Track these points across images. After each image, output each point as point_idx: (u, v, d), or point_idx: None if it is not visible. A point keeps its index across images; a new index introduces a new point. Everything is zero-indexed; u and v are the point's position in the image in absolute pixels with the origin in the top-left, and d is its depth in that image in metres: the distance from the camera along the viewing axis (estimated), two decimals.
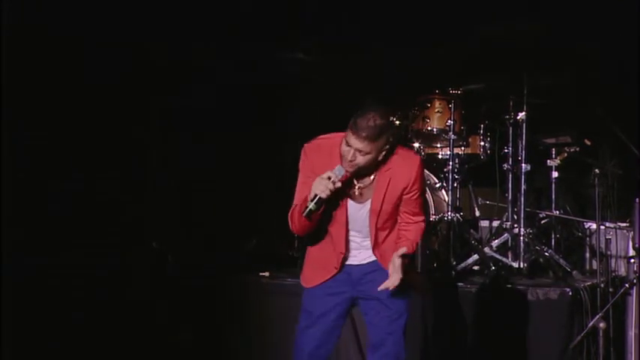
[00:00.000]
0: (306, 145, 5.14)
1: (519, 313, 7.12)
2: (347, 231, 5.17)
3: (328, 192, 4.91)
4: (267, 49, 8.41)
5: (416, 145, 8.53)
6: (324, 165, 5.01)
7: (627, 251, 7.63)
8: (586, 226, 8.20)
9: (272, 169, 8.58)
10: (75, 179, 7.47)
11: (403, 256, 5.09)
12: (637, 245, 7.20)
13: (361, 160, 4.96)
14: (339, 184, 4.95)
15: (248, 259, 8.31)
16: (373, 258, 5.22)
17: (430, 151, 8.51)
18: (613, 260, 7.61)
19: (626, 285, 7.19)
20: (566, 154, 8.21)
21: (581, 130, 8.40)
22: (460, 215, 8.11)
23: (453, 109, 8.20)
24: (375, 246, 5.19)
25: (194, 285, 7.75)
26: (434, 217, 8.16)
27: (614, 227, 7.79)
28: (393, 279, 5.06)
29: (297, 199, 5.09)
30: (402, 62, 8.83)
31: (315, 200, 4.91)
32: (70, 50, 7.36)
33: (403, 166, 5.10)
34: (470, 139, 8.41)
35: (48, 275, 7.24)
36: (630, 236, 7.56)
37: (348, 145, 4.94)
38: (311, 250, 5.32)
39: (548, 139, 8.28)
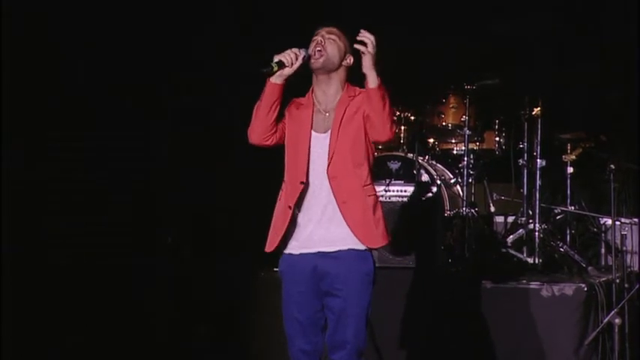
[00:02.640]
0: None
1: (534, 309, 7.11)
2: (308, 157, 5.14)
3: (288, 58, 5.02)
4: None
5: (431, 140, 8.53)
6: (295, 107, 5.18)
7: None
8: (601, 222, 8.17)
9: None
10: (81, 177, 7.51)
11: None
12: None
13: (328, 46, 5.09)
14: (300, 59, 5.04)
15: (263, 254, 8.31)
16: (342, 247, 5.14)
17: (445, 147, 8.52)
18: (628, 256, 7.60)
19: None
20: (581, 150, 8.19)
21: (596, 126, 8.38)
22: (475, 211, 8.09)
23: (467, 105, 8.20)
24: (332, 174, 5.10)
25: (208, 279, 7.76)
26: (449, 212, 8.15)
27: (630, 223, 7.78)
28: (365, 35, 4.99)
29: None
30: (418, 57, 8.83)
31: (276, 61, 5.03)
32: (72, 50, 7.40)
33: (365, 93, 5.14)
34: (485, 135, 8.41)
35: (56, 273, 7.27)
36: None
37: (315, 36, 5.13)
38: (276, 208, 5.28)
39: (563, 134, 8.26)
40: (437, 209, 7.78)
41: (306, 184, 5.15)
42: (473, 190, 8.33)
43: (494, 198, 8.51)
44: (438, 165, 8.62)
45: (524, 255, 7.86)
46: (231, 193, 8.53)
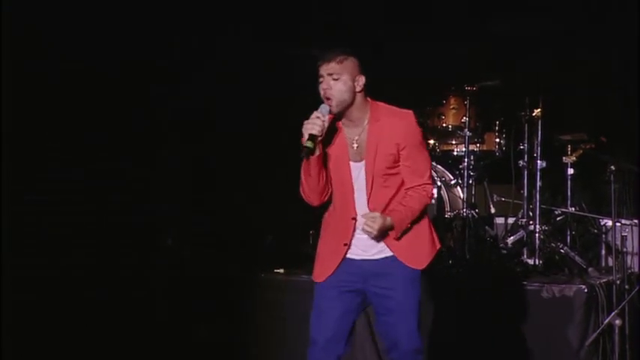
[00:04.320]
0: None
1: (535, 311, 7.11)
2: (354, 192, 5.17)
3: (318, 128, 4.98)
4: (279, 46, 8.42)
5: (431, 141, 8.53)
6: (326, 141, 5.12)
7: None
8: (602, 223, 8.17)
9: (285, 166, 8.60)
10: (82, 177, 7.52)
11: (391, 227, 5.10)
12: None
13: (335, 86, 5.06)
14: (326, 120, 5.02)
15: (263, 256, 8.32)
16: (388, 253, 5.20)
17: (445, 148, 8.51)
18: (629, 257, 7.60)
19: None
20: (581, 151, 8.19)
21: (596, 127, 8.38)
22: (475, 212, 8.10)
23: (468, 106, 8.20)
24: (372, 208, 5.14)
25: (208, 281, 7.76)
26: (449, 213, 8.15)
27: (630, 224, 7.78)
28: (368, 224, 5.04)
29: None
30: (418, 59, 8.83)
31: (309, 138, 4.98)
32: (73, 44, 7.41)
33: (394, 117, 5.17)
34: (485, 136, 8.41)
35: (59, 276, 7.27)
36: None
37: (320, 77, 5.10)
38: (322, 236, 5.32)
39: (563, 135, 8.26)
40: (437, 211, 7.78)
41: (355, 219, 5.19)
42: (473, 192, 8.33)
43: (495, 199, 8.51)
44: (439, 166, 8.61)
45: (525, 256, 7.86)
46: (230, 193, 8.54)
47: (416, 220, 5.20)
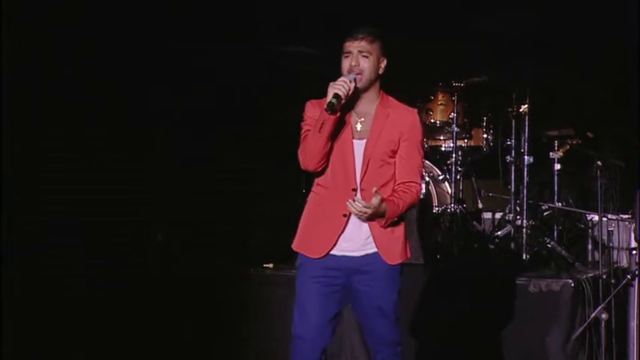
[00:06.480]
0: (309, 101, 5.28)
1: (522, 305, 7.15)
2: (355, 165, 5.19)
3: (344, 90, 5.05)
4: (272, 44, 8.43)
5: None
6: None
7: (629, 243, 7.67)
8: (588, 218, 8.22)
9: (274, 163, 8.64)
10: (74, 176, 7.53)
11: (383, 215, 5.10)
12: (639, 237, 7.24)
13: (364, 63, 5.13)
14: (352, 86, 5.08)
15: (252, 251, 8.34)
16: (369, 250, 5.21)
17: (433, 144, 8.53)
18: (615, 252, 7.65)
19: (628, 276, 7.25)
20: (568, 147, 8.23)
21: (583, 122, 8.42)
22: (463, 207, 8.13)
23: (456, 102, 8.24)
24: (363, 187, 5.15)
25: (197, 277, 7.78)
26: (437, 209, 8.18)
27: (617, 219, 7.82)
28: (361, 206, 5.03)
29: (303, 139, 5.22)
30: (406, 55, 8.84)
31: (333, 96, 5.05)
32: (73, 46, 7.42)
33: (402, 110, 5.24)
34: (473, 132, 8.44)
35: (50, 273, 7.29)
36: (632, 228, 7.61)
37: (348, 53, 5.16)
38: (311, 213, 5.30)
39: (550, 131, 8.30)
40: (425, 206, 7.81)
41: (356, 190, 5.19)
42: (461, 187, 8.36)
43: (483, 194, 8.55)
44: (427, 162, 8.63)
45: (512, 251, 7.90)
46: (220, 189, 8.56)
47: (401, 217, 5.23)
